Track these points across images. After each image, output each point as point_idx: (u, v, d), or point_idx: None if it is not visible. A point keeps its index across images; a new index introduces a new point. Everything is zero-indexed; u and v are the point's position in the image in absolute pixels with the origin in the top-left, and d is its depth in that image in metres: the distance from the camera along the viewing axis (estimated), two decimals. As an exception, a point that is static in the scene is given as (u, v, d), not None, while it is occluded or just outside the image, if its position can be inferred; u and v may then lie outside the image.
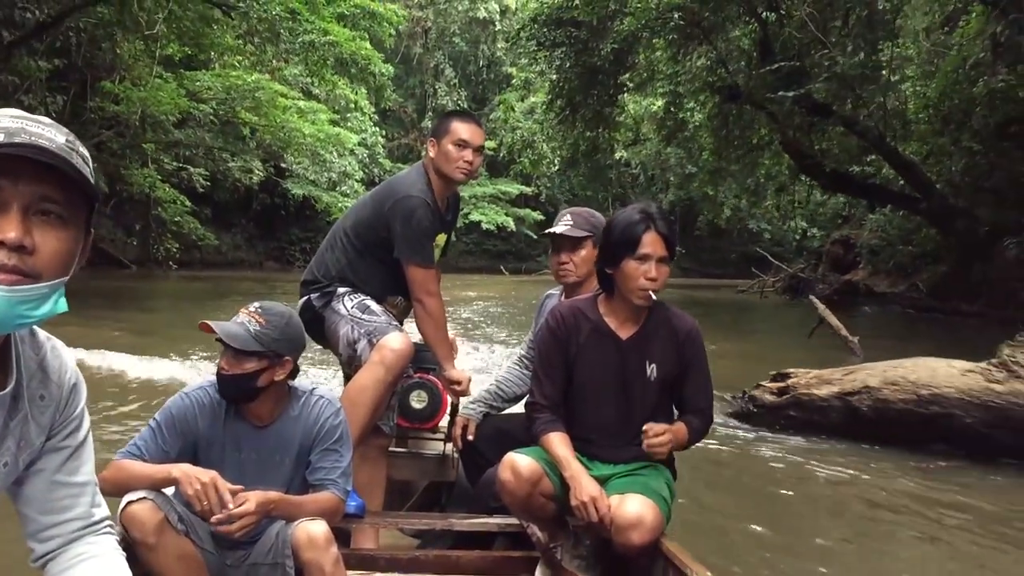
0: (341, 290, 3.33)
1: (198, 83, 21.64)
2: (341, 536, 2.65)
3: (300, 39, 16.02)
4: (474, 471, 3.32)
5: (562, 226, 3.26)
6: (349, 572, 2.42)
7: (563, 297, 3.35)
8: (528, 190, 40.39)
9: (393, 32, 20.86)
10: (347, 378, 3.42)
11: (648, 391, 2.69)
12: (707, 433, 2.80)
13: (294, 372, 2.52)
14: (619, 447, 2.72)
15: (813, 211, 28.69)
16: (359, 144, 27.80)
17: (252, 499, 2.26)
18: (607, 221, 2.78)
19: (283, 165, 28.37)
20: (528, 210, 41.47)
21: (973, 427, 5.27)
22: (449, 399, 3.41)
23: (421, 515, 3.44)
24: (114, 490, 2.24)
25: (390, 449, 3.43)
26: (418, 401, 3.31)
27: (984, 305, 13.86)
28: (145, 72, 20.98)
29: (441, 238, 3.49)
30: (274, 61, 21.77)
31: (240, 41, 19.77)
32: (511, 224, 40.60)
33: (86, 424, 1.51)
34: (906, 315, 15.33)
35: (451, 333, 3.56)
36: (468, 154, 3.34)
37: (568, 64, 17.16)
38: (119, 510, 2.19)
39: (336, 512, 2.53)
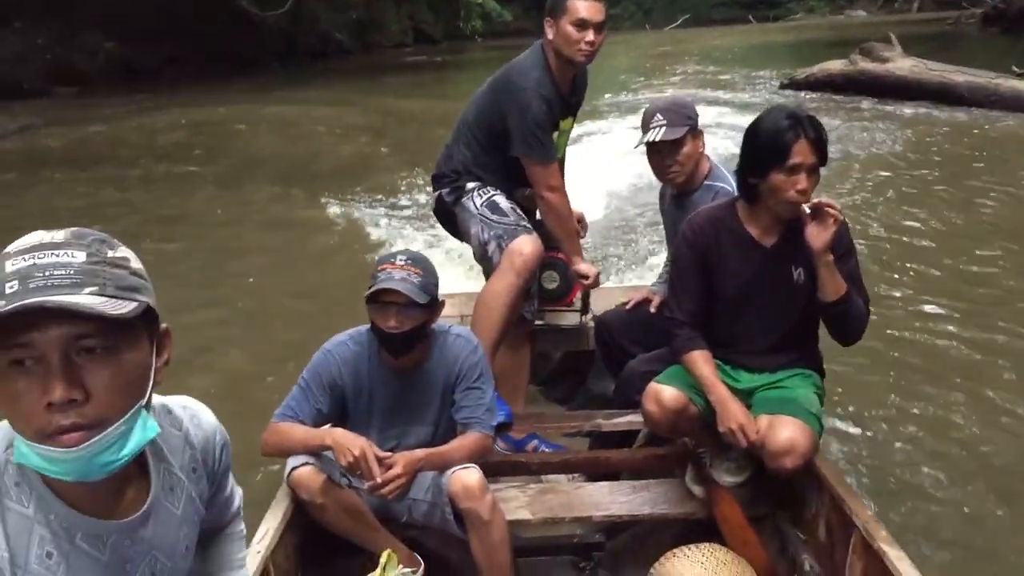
0: (470, 185, 3.26)
1: None
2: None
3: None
4: (611, 363, 3.26)
5: (657, 132, 2.96)
6: (504, 480, 2.44)
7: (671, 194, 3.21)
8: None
9: None
10: (483, 270, 3.41)
11: (797, 297, 2.51)
12: (865, 326, 2.54)
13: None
14: (765, 355, 2.60)
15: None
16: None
17: (400, 463, 2.32)
18: (750, 126, 2.48)
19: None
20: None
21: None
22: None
23: (567, 417, 3.43)
24: (276, 451, 2.47)
25: None
26: (550, 281, 3.30)
27: None
28: None
29: (567, 123, 3.35)
30: None
31: None
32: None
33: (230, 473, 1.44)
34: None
35: (579, 211, 3.52)
36: (589, 34, 3.09)
37: None
38: (286, 474, 2.42)
39: (485, 451, 2.52)
